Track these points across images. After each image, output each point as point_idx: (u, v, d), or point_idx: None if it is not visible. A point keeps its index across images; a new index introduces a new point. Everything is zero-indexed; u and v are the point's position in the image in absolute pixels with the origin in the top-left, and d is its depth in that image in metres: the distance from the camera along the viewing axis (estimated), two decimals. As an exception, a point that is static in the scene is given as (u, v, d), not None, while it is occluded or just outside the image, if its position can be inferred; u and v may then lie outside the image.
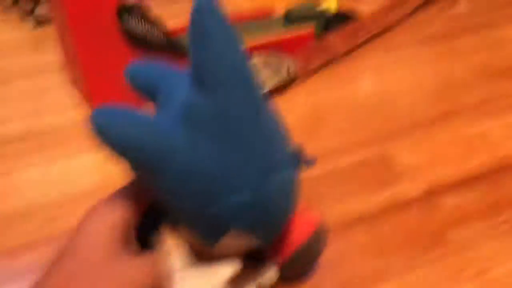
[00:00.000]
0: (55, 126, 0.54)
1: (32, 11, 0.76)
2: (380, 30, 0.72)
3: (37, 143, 0.51)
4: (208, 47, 0.23)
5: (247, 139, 0.24)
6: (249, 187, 0.24)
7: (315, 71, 0.64)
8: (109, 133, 0.22)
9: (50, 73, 0.63)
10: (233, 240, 0.26)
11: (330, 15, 0.69)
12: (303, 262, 0.32)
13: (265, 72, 0.58)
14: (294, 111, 0.56)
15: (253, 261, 0.30)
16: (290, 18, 0.68)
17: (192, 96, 0.23)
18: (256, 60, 0.60)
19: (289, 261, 0.31)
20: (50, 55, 0.65)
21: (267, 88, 0.57)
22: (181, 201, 0.25)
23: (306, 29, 0.65)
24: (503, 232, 0.40)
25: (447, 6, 0.84)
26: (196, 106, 0.23)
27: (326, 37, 0.67)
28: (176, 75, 0.27)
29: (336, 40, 0.67)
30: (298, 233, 0.31)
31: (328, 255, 0.34)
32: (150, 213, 0.27)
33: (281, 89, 0.59)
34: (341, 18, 0.71)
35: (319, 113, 0.56)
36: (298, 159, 0.29)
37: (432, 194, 0.43)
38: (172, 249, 0.28)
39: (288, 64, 0.60)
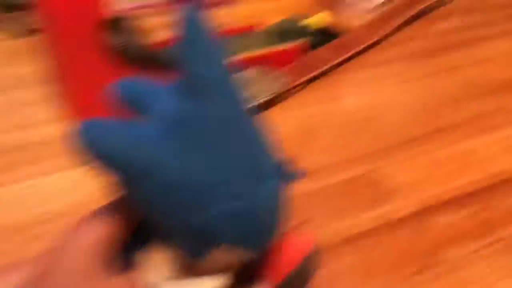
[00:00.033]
0: (29, 142, 0.52)
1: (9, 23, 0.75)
2: (369, 45, 0.72)
3: (9, 160, 0.49)
4: (195, 58, 0.23)
5: (234, 148, 0.24)
6: (236, 196, 0.24)
7: (305, 85, 0.63)
8: (100, 145, 0.22)
9: (25, 87, 0.61)
10: (221, 254, 0.26)
11: (315, 30, 0.69)
12: (295, 285, 0.31)
13: (257, 86, 0.58)
14: (284, 125, 0.55)
15: (245, 283, 0.29)
16: (275, 32, 0.68)
17: (179, 105, 0.24)
18: (248, 74, 0.59)
19: (282, 284, 0.30)
20: (26, 68, 0.63)
21: (258, 101, 0.56)
22: (169, 212, 0.24)
23: (293, 44, 0.65)
24: (496, 251, 0.39)
25: (435, 21, 0.85)
26: (184, 114, 0.24)
27: (314, 52, 0.67)
28: (159, 88, 0.27)
29: (324, 54, 0.67)
30: (291, 256, 0.30)
31: (318, 276, 0.33)
32: (139, 232, 0.27)
33: (271, 103, 0.58)
34: (329, 33, 0.71)
35: (309, 128, 0.55)
36: (287, 171, 0.29)
37: (423, 212, 0.43)
38: (158, 265, 0.28)
39: (279, 78, 0.59)
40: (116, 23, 0.51)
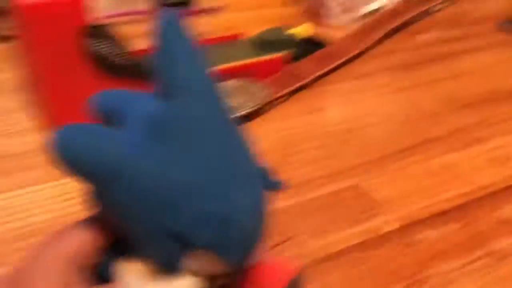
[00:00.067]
0: (8, 152, 0.50)
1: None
2: (351, 57, 0.72)
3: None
4: (171, 63, 0.23)
5: (210, 150, 0.24)
6: (212, 198, 0.24)
7: (287, 97, 0.62)
8: (67, 149, 0.22)
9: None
10: (197, 263, 0.25)
11: (298, 40, 0.69)
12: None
13: (239, 97, 0.57)
14: (266, 138, 0.54)
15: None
16: (257, 42, 0.67)
17: (157, 108, 0.24)
18: (230, 85, 0.58)
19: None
20: (5, 74, 0.61)
21: (240, 112, 0.55)
22: (143, 216, 0.24)
23: (276, 55, 0.64)
24: (486, 265, 0.38)
25: (415, 34, 0.85)
26: (158, 115, 0.23)
27: (297, 63, 0.66)
28: (138, 97, 0.27)
29: (307, 66, 0.67)
30: (273, 282, 0.29)
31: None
32: (119, 243, 0.26)
33: (253, 114, 0.57)
34: (312, 44, 0.71)
35: (292, 140, 0.54)
36: (269, 180, 0.28)
37: (410, 226, 0.42)
38: (134, 276, 0.27)
39: (261, 90, 0.58)
40: (96, 30, 0.50)
